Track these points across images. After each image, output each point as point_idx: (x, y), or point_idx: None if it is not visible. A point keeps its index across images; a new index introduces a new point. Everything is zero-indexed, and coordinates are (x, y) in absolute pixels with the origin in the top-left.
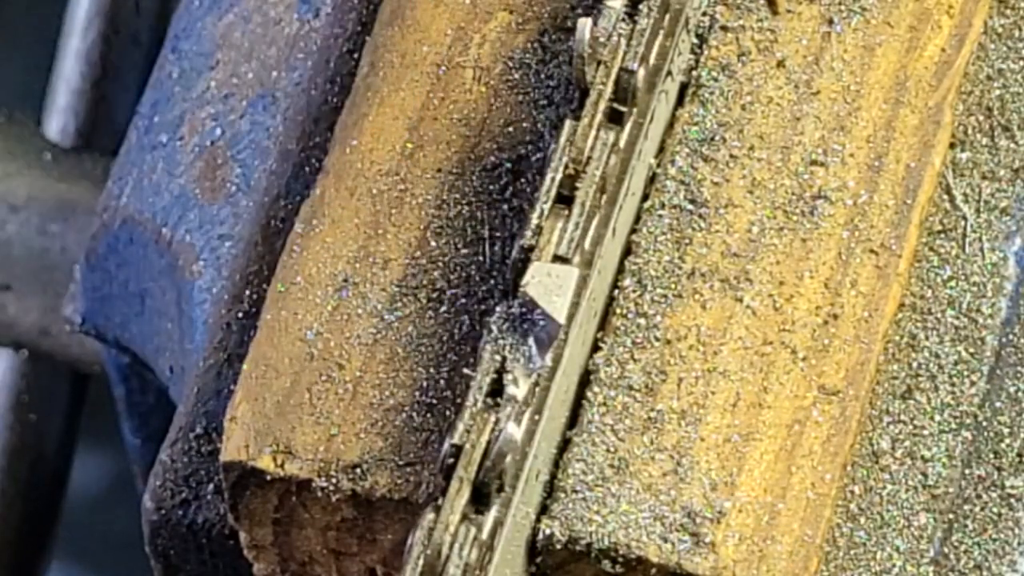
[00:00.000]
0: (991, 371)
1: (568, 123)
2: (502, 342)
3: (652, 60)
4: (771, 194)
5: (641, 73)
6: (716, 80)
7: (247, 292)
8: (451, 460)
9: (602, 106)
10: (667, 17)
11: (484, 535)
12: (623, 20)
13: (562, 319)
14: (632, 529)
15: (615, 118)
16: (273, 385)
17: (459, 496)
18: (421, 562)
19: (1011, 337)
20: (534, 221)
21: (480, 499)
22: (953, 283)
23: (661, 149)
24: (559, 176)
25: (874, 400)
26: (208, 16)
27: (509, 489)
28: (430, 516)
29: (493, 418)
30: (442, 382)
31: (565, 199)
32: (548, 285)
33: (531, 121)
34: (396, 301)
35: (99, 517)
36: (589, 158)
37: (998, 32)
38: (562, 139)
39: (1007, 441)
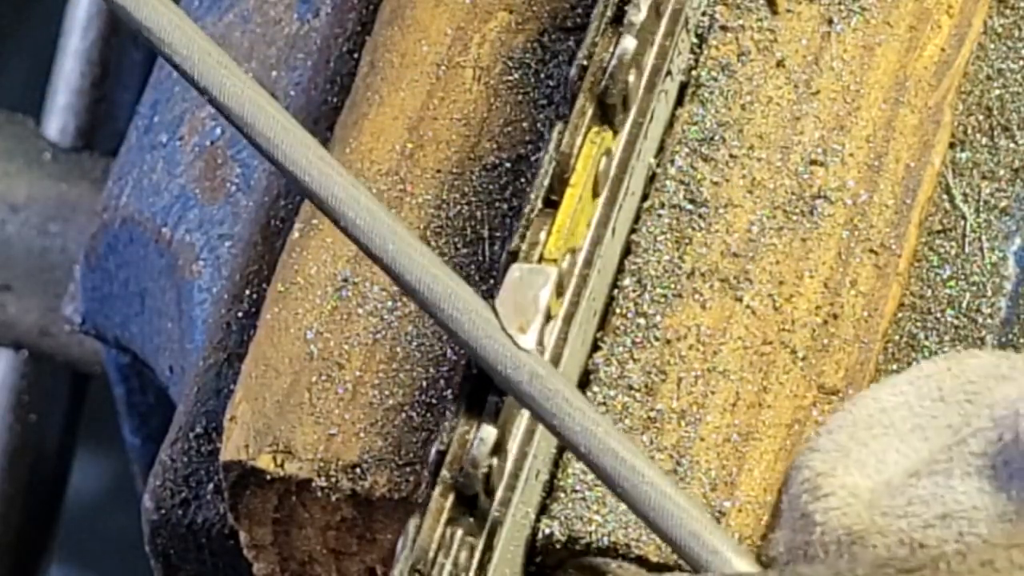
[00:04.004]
0: None
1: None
2: None
3: (651, 61)
4: (771, 194)
5: (631, 80)
6: (716, 80)
7: (247, 292)
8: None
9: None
10: (666, 18)
11: (483, 538)
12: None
13: (542, 314)
14: (632, 529)
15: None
16: (273, 385)
17: (444, 500)
18: (408, 568)
19: (1011, 337)
20: (520, 227)
21: (465, 502)
22: (953, 283)
23: (661, 149)
24: (547, 181)
25: None
26: (208, 16)
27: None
28: (414, 522)
29: (475, 425)
30: (442, 382)
31: (554, 203)
32: (528, 283)
33: (531, 121)
34: (396, 301)
35: (99, 517)
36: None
37: (998, 32)
38: (551, 143)
39: None
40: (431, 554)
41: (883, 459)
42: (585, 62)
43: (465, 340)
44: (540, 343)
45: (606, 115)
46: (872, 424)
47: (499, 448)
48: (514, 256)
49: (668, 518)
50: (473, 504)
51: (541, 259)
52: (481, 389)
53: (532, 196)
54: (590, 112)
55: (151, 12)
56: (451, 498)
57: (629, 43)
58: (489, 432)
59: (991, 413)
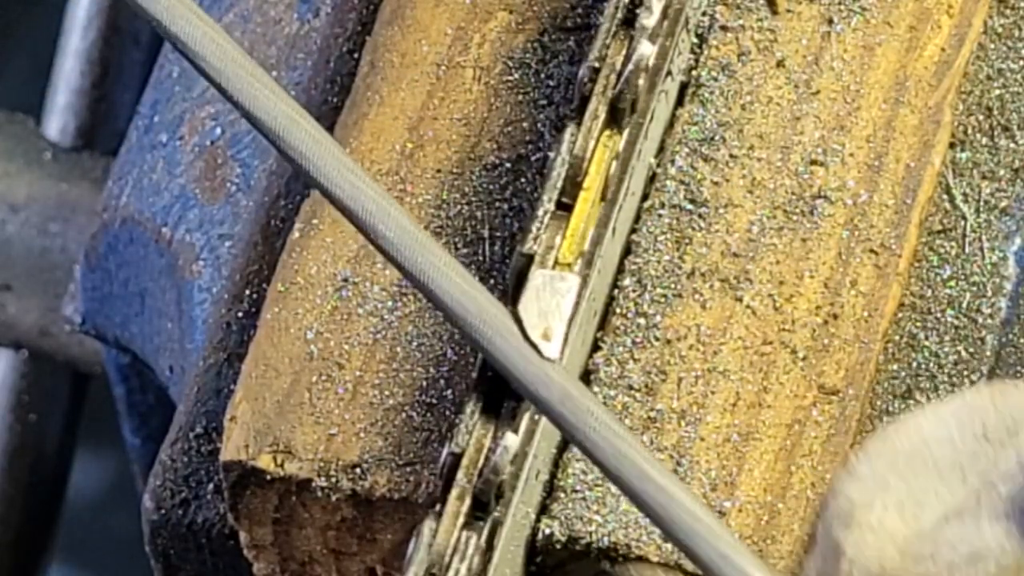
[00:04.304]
0: (991, 371)
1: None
2: None
3: (652, 61)
4: (771, 194)
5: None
6: (716, 80)
7: (247, 292)
8: (451, 467)
9: (602, 114)
10: (667, 19)
11: (483, 538)
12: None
13: (565, 322)
14: (632, 529)
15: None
16: (273, 385)
17: (460, 503)
18: (423, 571)
19: (1011, 337)
20: (535, 229)
21: (479, 506)
22: (953, 283)
23: (661, 149)
24: (559, 184)
25: (874, 400)
26: (208, 16)
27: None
28: (430, 525)
29: (492, 429)
30: (442, 382)
31: (565, 206)
32: (552, 289)
33: (531, 121)
34: (396, 301)
35: (99, 517)
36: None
37: (998, 32)
38: (563, 145)
39: None
40: (447, 558)
41: (921, 501)
42: (597, 64)
43: (488, 349)
44: (563, 351)
45: (615, 118)
46: (913, 456)
47: (517, 455)
48: (529, 259)
49: (695, 537)
50: (485, 508)
51: (556, 264)
52: (496, 392)
53: (545, 198)
54: (603, 116)
55: (184, 23)
56: (467, 502)
57: (646, 48)
58: (513, 440)
59: (1019, 458)
